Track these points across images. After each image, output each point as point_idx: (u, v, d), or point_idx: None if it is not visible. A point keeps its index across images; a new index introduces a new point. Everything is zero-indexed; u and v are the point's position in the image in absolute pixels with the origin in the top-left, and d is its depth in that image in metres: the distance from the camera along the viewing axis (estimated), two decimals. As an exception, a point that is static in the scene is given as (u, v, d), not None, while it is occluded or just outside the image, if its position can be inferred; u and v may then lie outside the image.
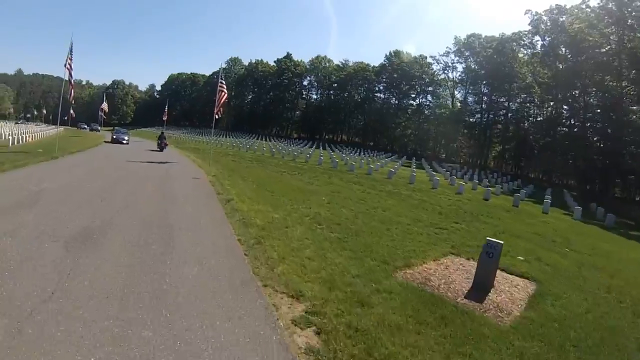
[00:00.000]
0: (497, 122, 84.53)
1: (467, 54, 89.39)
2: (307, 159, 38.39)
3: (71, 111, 59.61)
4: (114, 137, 42.70)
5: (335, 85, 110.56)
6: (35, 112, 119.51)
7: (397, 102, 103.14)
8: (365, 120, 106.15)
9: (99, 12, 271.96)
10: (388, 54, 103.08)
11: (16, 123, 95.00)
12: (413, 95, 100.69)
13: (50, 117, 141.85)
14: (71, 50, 23.57)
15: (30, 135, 40.81)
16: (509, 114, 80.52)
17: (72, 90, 24.40)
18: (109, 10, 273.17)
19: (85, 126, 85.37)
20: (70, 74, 23.75)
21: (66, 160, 20.88)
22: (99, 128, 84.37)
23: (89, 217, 9.00)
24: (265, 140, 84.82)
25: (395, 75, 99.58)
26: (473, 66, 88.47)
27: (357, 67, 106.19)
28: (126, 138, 43.15)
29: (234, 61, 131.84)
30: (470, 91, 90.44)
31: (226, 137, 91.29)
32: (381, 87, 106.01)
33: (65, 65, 23.40)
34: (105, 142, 41.33)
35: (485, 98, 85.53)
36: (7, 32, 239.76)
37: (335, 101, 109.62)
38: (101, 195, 11.76)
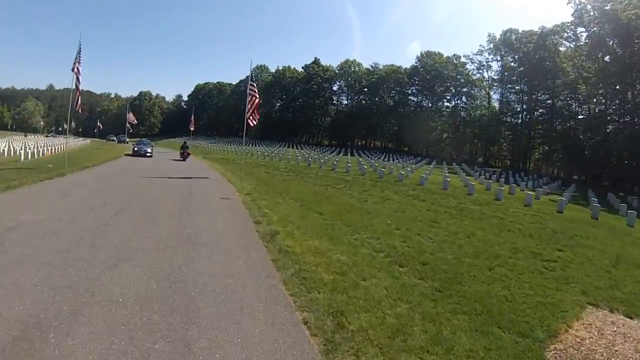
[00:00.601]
0: (540, 122, 78.72)
1: (503, 51, 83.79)
2: (347, 169, 34.24)
3: (99, 123, 56.48)
4: (135, 149, 38.79)
5: (366, 89, 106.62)
6: (65, 125, 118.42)
7: (431, 104, 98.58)
8: (399, 124, 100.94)
9: (126, 26, 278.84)
10: (419, 54, 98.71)
11: (46, 136, 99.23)
12: (448, 97, 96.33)
13: (80, 130, 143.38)
14: (79, 52, 20.25)
15: (49, 148, 38.43)
16: (553, 113, 74.27)
17: (80, 98, 20.76)
18: (137, 24, 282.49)
19: (114, 138, 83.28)
20: (77, 79, 20.24)
21: (72, 178, 17.38)
22: (127, 139, 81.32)
23: (46, 294, 5.05)
24: (295, 148, 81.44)
25: (428, 77, 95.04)
26: (511, 63, 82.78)
27: (389, 70, 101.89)
28: (149, 150, 39.09)
29: (260, 69, 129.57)
30: (509, 90, 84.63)
31: (254, 145, 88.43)
32: (414, 90, 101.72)
33: (73, 69, 20.03)
34: (127, 154, 38.34)
35: (525, 97, 79.78)
36: (40, 51, 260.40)
37: (367, 106, 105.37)
38: (88, 238, 7.86)
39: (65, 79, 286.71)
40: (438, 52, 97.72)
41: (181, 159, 37.10)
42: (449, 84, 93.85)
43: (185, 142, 41.46)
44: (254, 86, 22.21)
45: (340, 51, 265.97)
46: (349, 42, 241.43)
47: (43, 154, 33.59)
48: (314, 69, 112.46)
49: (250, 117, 22.08)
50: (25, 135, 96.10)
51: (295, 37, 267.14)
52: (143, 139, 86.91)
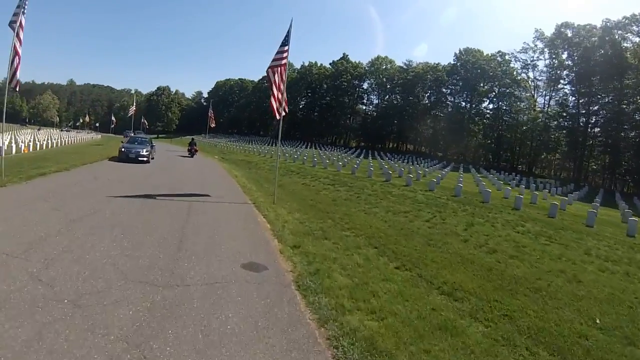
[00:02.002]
0: (602, 128, 68.62)
1: (560, 47, 73.80)
2: (408, 181, 25.64)
3: (112, 118, 49.93)
4: (123, 150, 23.97)
5: (400, 88, 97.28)
6: (81, 120, 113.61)
7: (470, 106, 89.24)
8: (435, 127, 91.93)
9: (148, 23, 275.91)
10: (458, 52, 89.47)
11: (61, 130, 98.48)
12: (491, 98, 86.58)
13: (97, 125, 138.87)
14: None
15: (40, 143, 31.48)
16: (619, 118, 63.71)
17: (18, 70, 12.65)
18: (159, 21, 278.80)
19: (131, 134, 73.81)
20: (18, 38, 12.24)
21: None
22: (145, 137, 73.45)
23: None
24: (318, 149, 73.40)
25: (469, 76, 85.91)
26: (567, 62, 73.08)
27: (425, 68, 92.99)
28: (144, 152, 24.04)
29: None
30: (561, 91, 75.10)
31: (275, 145, 79.92)
32: (452, 90, 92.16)
33: (11, 23, 12.16)
34: (112, 158, 25.02)
35: (582, 99, 69.87)
36: (61, 46, 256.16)
37: (400, 106, 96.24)
38: None
39: (86, 74, 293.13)
40: (478, 49, 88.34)
41: (189, 155, 36.62)
42: (493, 83, 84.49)
43: (193, 139, 40.33)
44: (284, 50, 13.81)
45: (369, 50, 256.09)
46: (361, 41, 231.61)
47: (22, 152, 26.58)
48: (343, 65, 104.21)
49: (277, 102, 13.86)
50: (39, 129, 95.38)
51: (319, 34, 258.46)
52: (137, 133, 79.08)
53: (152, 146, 27.74)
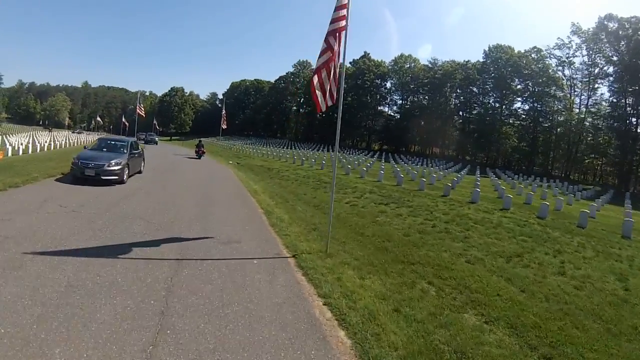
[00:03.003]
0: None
1: (602, 43, 66.98)
2: (474, 197, 19.75)
3: (124, 120, 47.11)
4: (80, 163, 14.00)
5: (427, 87, 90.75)
6: (93, 122, 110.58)
7: (502, 106, 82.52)
8: (464, 129, 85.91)
9: (163, 24, 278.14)
10: (487, 49, 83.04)
11: (73, 132, 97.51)
12: (525, 97, 79.62)
13: (111, 127, 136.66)
14: None
15: (24, 146, 27.43)
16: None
17: None
18: (173, 22, 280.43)
19: (151, 137, 68.51)
20: None
21: None
22: (156, 139, 67.70)
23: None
24: (330, 151, 67.57)
25: (499, 74, 79.69)
26: (613, 57, 66.14)
27: (454, 65, 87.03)
28: (114, 168, 14.32)
29: (302, 64, 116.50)
30: (612, 89, 67.20)
31: (292, 148, 76.24)
32: (482, 90, 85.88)
33: None
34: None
35: (630, 98, 62.84)
36: (75, 48, 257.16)
37: (426, 107, 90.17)
38: None
39: (100, 76, 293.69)
40: (508, 46, 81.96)
41: (196, 156, 36.75)
42: (527, 82, 77.77)
43: (200, 141, 40.17)
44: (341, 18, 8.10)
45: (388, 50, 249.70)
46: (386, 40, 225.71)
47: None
48: (365, 64, 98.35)
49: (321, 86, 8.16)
50: (50, 131, 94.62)
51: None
52: (149, 134, 73.93)
53: (136, 154, 17.62)
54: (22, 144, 31.99)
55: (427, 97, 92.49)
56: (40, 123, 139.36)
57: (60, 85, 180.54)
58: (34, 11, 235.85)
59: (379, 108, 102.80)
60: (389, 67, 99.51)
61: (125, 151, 16.20)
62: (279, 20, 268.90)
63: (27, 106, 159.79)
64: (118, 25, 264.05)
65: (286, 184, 21.73)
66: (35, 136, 56.50)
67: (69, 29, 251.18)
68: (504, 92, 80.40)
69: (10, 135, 62.57)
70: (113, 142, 17.48)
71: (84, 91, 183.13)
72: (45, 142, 36.22)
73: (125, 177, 14.77)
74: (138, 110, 41.85)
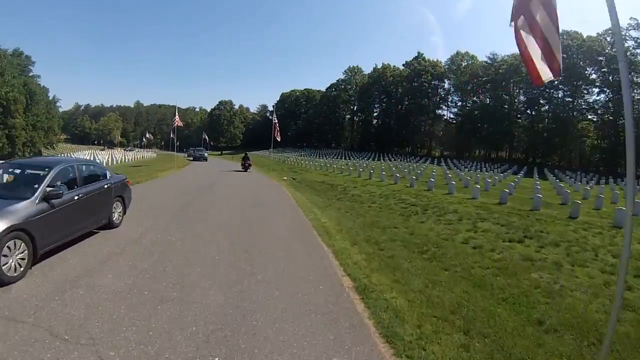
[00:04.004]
0: None
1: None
2: (618, 219, 13.53)
3: (172, 135, 51.48)
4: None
5: (488, 86, 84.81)
6: (144, 139, 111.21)
7: (574, 99, 75.05)
8: (533, 128, 79.22)
9: (212, 43, 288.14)
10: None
11: (125, 150, 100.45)
12: (602, 87, 71.85)
13: (162, 143, 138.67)
14: None
15: None
16: None
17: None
18: (221, 42, 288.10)
19: (200, 152, 63.71)
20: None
21: None
22: (206, 154, 62.95)
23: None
24: (393, 159, 64.28)
25: (570, 63, 70.83)
26: None
27: (518, 58, 77.68)
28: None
29: (353, 71, 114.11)
30: None
31: (345, 158, 73.66)
32: (551, 82, 76.47)
33: None
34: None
35: None
36: (127, 70, 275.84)
37: (490, 107, 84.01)
38: None
39: (151, 95, 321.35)
40: (575, 31, 74.57)
41: (242, 169, 36.94)
42: (603, 69, 69.81)
43: (246, 154, 40.15)
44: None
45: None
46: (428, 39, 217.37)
47: None
48: (421, 65, 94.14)
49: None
50: (103, 149, 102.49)
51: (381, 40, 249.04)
52: (197, 150, 71.29)
53: (85, 194, 8.21)
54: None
55: (489, 96, 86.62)
56: (95, 142, 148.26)
57: (114, 105, 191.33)
58: (87, 40, 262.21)
59: (437, 111, 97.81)
60: (446, 67, 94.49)
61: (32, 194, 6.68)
62: (326, 30, 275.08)
63: (83, 127, 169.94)
64: (168, 48, 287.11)
65: (363, 210, 16.06)
66: (96, 154, 61.35)
67: (121, 54, 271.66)
68: (577, 83, 72.87)
69: (73, 154, 68.02)
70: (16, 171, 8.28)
71: (136, 110, 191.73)
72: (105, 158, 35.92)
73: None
74: (176, 121, 37.27)
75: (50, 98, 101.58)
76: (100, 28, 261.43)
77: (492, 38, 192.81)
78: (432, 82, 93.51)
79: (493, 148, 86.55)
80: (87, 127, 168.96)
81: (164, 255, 7.50)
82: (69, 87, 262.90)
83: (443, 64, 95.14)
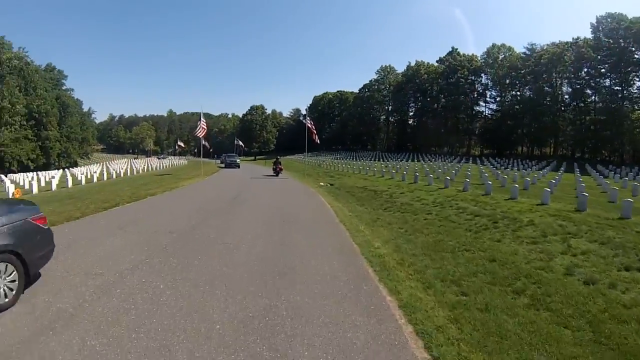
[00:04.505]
0: None
1: None
2: None
3: (204, 142, 48.84)
4: None
5: (529, 78, 79.71)
6: (177, 147, 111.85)
7: (624, 88, 68.92)
8: (579, 121, 74.11)
9: (244, 53, 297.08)
10: (595, 21, 70.09)
11: (158, 158, 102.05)
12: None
13: (195, 150, 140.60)
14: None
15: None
16: None
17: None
18: (255, 46, 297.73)
19: (231, 158, 60.37)
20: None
21: None
22: (238, 160, 59.29)
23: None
24: (425, 160, 61.47)
25: (618, 49, 66.36)
26: None
27: (561, 47, 74.53)
28: None
29: (386, 70, 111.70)
30: None
31: (379, 160, 71.37)
32: (594, 72, 71.92)
33: None
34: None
35: None
36: (160, 80, 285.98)
37: (531, 101, 78.95)
38: None
39: (184, 104, 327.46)
40: (619, 13, 68.24)
41: (274, 174, 37.29)
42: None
43: (277, 159, 41.37)
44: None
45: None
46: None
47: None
48: (456, 60, 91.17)
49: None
50: (136, 158, 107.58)
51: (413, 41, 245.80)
52: (229, 156, 69.39)
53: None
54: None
55: (530, 89, 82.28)
56: (130, 151, 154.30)
57: (147, 115, 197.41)
58: (119, 55, 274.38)
59: (475, 108, 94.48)
60: (482, 61, 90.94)
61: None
62: (358, 33, 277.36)
63: (118, 137, 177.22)
64: (198, 59, 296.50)
65: (419, 224, 13.14)
66: (133, 163, 65.55)
67: (153, 65, 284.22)
68: (626, 69, 67.13)
69: (111, 163, 74.27)
70: None
71: (169, 119, 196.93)
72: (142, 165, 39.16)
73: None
74: (200, 125, 34.94)
75: (85, 110, 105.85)
76: (133, 42, 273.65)
77: (528, 28, 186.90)
78: (469, 78, 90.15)
79: (536, 144, 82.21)
80: (121, 136, 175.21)
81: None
82: (104, 99, 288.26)
83: (479, 58, 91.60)
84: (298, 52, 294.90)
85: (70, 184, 29.74)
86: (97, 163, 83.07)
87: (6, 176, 41.50)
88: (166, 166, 65.17)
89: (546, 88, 77.70)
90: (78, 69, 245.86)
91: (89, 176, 35.72)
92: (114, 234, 10.05)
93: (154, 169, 57.23)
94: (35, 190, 25.90)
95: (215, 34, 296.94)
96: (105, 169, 47.88)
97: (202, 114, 39.57)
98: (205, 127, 36.81)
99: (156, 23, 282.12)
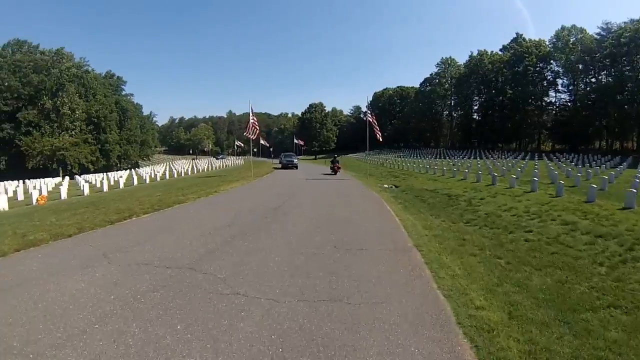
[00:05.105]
0: None
1: None
2: None
3: (262, 141, 53.79)
4: None
5: (607, 61, 71.37)
6: (236, 147, 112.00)
7: None
8: None
9: (304, 55, 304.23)
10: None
11: (217, 158, 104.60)
12: None
13: (255, 150, 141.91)
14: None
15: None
16: None
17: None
18: (312, 55, 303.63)
19: (288, 158, 55.70)
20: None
21: None
22: (295, 160, 53.89)
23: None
24: (488, 157, 60.10)
25: None
26: None
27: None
28: None
29: (446, 63, 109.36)
30: None
31: (442, 157, 68.36)
32: None
33: None
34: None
35: None
36: (220, 83, 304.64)
37: (610, 87, 70.42)
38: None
39: (243, 104, 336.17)
40: None
41: (331, 172, 38.19)
42: None
43: (335, 157, 42.61)
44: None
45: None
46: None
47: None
48: (522, 46, 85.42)
49: None
50: (194, 158, 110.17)
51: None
52: (287, 154, 64.26)
53: None
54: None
55: (608, 74, 74.14)
56: (190, 152, 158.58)
57: (207, 116, 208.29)
58: (180, 63, 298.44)
59: (545, 99, 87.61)
60: (550, 46, 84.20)
61: None
62: (417, 27, 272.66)
63: (179, 138, 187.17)
64: (253, 57, 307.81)
65: (521, 252, 9.27)
66: (196, 164, 70.59)
67: (213, 70, 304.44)
68: None
69: (174, 163, 79.65)
70: None
71: (229, 119, 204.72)
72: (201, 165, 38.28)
73: None
74: (252, 124, 31.25)
75: (146, 114, 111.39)
76: (194, 51, 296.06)
77: (597, 5, 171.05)
78: (537, 65, 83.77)
79: (617, 137, 74.65)
80: (181, 138, 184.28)
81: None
82: (166, 103, 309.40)
83: (547, 43, 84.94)
84: (356, 50, 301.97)
85: (122, 184, 32.59)
86: (159, 164, 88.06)
87: (71, 178, 46.38)
88: (221, 167, 66.66)
89: (628, 72, 68.31)
90: (140, 76, 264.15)
91: (152, 176, 41.53)
92: (90, 265, 7.21)
93: (206, 169, 58.97)
94: (86, 191, 26.98)
95: (274, 39, 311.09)
96: (167, 169, 51.69)
97: (251, 110, 35.12)
98: (257, 125, 33.09)
99: (217, 34, 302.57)
